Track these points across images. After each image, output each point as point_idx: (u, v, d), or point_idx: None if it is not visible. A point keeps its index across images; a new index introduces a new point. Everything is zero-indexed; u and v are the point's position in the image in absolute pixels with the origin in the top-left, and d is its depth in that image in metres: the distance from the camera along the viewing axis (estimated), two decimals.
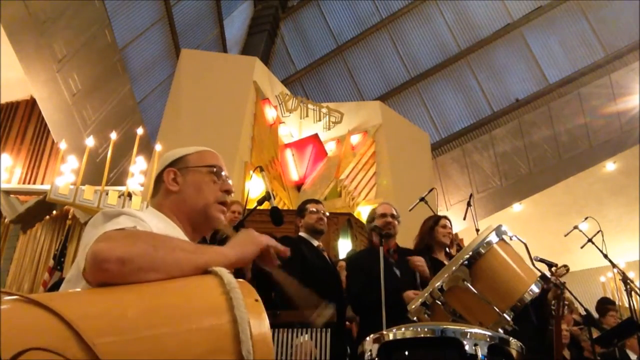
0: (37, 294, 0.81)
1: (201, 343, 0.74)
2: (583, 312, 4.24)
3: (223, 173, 1.28)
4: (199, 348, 0.73)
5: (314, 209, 3.11)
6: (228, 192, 1.28)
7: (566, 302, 3.20)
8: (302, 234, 3.12)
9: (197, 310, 0.78)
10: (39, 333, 0.67)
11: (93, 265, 0.82)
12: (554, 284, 3.08)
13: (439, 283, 1.84)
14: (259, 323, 0.78)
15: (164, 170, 1.27)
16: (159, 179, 1.28)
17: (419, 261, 2.87)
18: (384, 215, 3.10)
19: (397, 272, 2.91)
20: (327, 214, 3.19)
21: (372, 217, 3.16)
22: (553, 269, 3.33)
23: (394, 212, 3.13)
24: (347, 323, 3.08)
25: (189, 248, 0.92)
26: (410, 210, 3.77)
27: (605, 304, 4.99)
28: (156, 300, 0.79)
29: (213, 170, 1.26)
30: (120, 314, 0.74)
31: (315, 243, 3.09)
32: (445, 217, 3.38)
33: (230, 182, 1.30)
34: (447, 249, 3.24)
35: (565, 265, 3.68)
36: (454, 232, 3.46)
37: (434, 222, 3.29)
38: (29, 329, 0.68)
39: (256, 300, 0.82)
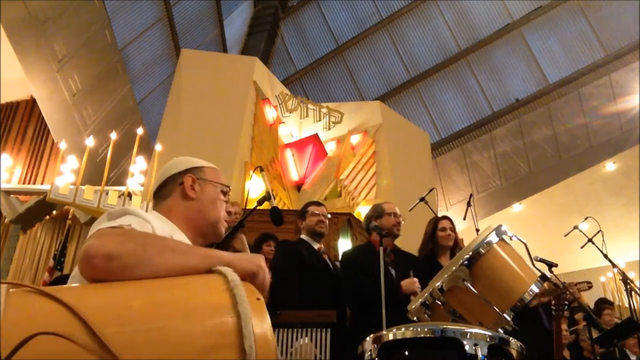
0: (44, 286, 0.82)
1: (204, 337, 0.74)
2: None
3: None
4: (202, 342, 0.74)
5: (316, 212, 3.12)
6: (228, 213, 1.42)
7: (567, 303, 3.20)
8: (303, 236, 3.13)
9: (201, 305, 0.79)
10: (48, 321, 0.68)
11: (83, 260, 0.84)
12: (554, 284, 3.08)
13: (439, 283, 1.84)
14: (261, 321, 0.79)
15: (181, 174, 1.30)
16: (172, 181, 1.30)
17: (412, 284, 2.79)
18: (395, 214, 3.07)
19: (393, 271, 2.91)
20: (329, 216, 3.20)
21: (379, 212, 3.08)
22: (575, 283, 3.38)
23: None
24: (347, 324, 3.07)
25: (180, 249, 0.93)
26: (410, 210, 3.77)
27: (600, 304, 5.02)
28: (161, 294, 0.80)
29: (225, 189, 1.37)
30: (126, 306, 0.75)
31: (316, 246, 3.09)
32: (445, 217, 3.27)
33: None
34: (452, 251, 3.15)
35: (587, 282, 3.72)
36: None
37: (432, 227, 3.19)
38: (38, 317, 0.69)
39: (258, 299, 0.83)
